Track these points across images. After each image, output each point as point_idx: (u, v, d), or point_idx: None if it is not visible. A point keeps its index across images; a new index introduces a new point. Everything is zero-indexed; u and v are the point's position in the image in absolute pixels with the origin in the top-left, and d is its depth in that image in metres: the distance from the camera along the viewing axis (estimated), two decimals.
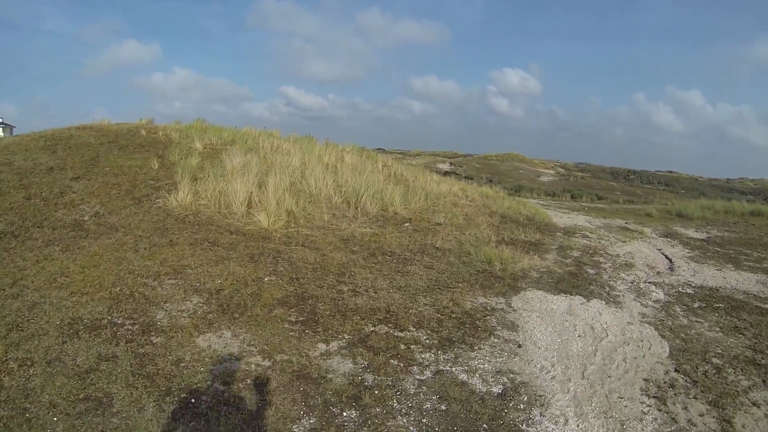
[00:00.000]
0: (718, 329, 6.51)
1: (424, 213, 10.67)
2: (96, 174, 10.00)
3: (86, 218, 8.10)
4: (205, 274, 6.41)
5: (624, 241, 11.85)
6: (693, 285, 8.53)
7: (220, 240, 7.62)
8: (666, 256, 10.85)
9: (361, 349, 5.11)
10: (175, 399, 4.10)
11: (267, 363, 4.72)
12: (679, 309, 7.20)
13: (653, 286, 8.17)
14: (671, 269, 9.71)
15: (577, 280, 8.04)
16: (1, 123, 45.07)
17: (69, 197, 8.84)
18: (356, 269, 7.29)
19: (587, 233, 12.21)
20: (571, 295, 7.28)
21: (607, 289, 7.80)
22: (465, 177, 36.69)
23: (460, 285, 7.21)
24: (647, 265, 9.73)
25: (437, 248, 8.74)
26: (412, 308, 6.22)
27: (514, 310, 6.56)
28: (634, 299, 7.42)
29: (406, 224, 9.88)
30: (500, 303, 6.75)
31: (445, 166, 46.65)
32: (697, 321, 6.77)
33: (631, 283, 8.29)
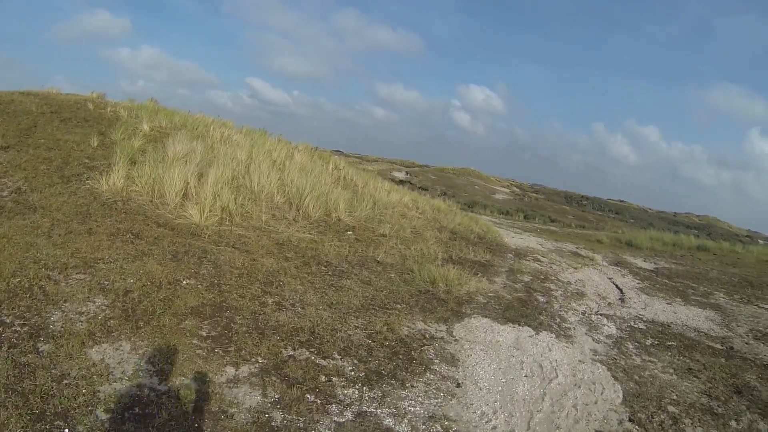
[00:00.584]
0: (672, 371, 6.03)
1: (369, 222, 9.95)
2: (28, 145, 8.94)
3: (5, 194, 7.14)
4: (117, 270, 5.54)
5: (575, 268, 11.42)
6: (644, 319, 8.10)
7: (144, 233, 6.73)
8: (617, 286, 10.46)
9: (274, 378, 4.34)
10: (47, 427, 3.33)
11: (163, 387, 3.93)
12: (631, 346, 6.68)
13: (605, 319, 7.66)
14: (622, 300, 9.29)
15: (526, 308, 7.43)
16: None
17: None
18: (286, 279, 6.51)
19: (539, 256, 11.73)
20: (519, 325, 6.65)
21: (558, 320, 7.22)
22: (419, 187, 36.32)
23: (399, 306, 6.50)
24: (598, 295, 9.27)
25: (378, 262, 8.03)
26: (340, 330, 5.45)
27: (455, 340, 5.86)
28: (586, 333, 6.87)
29: (349, 233, 9.14)
30: (441, 331, 6.05)
31: (401, 175, 46.25)
32: (650, 361, 6.27)
33: (582, 314, 7.76)
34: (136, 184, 8.13)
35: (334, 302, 6.14)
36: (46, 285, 5.00)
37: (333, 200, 9.86)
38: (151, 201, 7.91)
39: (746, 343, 7.53)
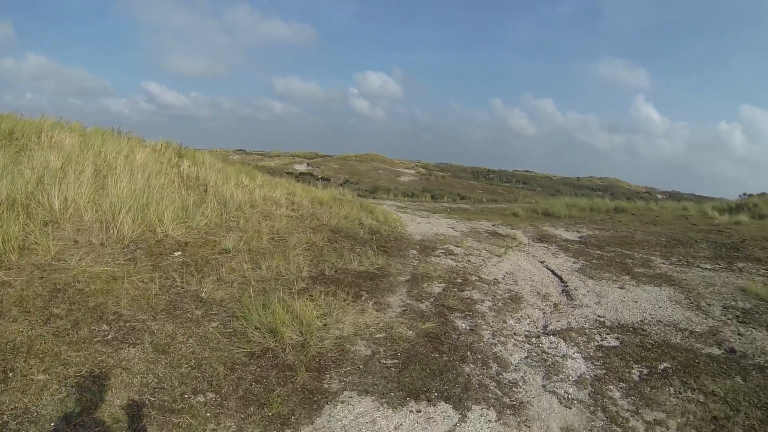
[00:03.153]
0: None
1: (213, 233, 6.65)
2: None
3: None
4: None
5: (499, 256, 8.67)
6: (609, 324, 5.53)
7: None
8: (553, 272, 7.91)
9: None
10: None
11: None
12: (618, 394, 3.92)
13: (562, 342, 4.83)
14: (568, 294, 6.69)
15: (439, 353, 4.28)
16: None
17: None
18: (19, 363, 3.37)
19: (452, 246, 8.82)
20: (428, 402, 3.49)
21: (495, 367, 4.17)
22: (321, 178, 33.31)
23: (198, 400, 3.27)
24: (538, 294, 6.55)
25: (201, 301, 4.76)
26: None
27: None
28: (544, 386, 3.93)
29: (176, 254, 5.86)
30: None
31: (302, 167, 42.65)
32: (655, 417, 3.57)
33: (527, 339, 4.86)
34: None
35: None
36: None
37: (158, 210, 6.54)
38: None
39: (739, 335, 5.40)
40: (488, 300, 5.91)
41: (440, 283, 6.36)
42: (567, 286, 7.14)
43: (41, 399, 3.09)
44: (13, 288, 4.43)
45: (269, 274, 5.61)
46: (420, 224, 11.80)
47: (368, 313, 4.84)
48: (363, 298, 5.29)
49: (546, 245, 10.43)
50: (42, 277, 4.72)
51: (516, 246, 10.00)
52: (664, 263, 9.00)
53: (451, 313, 5.27)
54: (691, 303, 6.54)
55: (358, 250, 7.25)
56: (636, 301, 6.50)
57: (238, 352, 3.95)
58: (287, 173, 31.16)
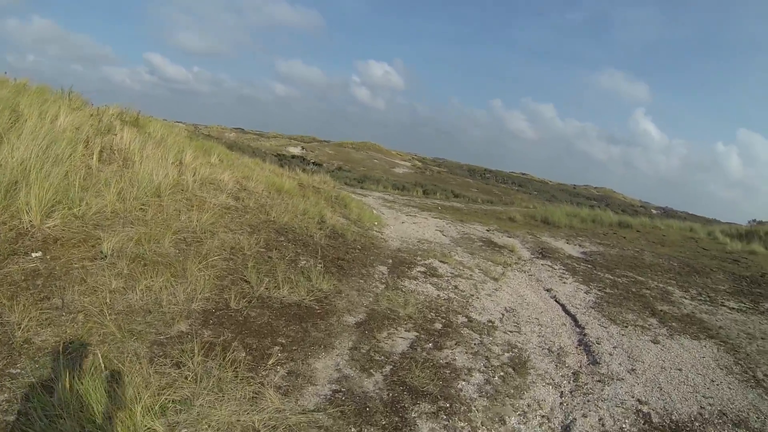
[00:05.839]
0: None
1: (103, 226, 4.42)
2: None
3: None
4: None
5: (496, 279, 6.53)
6: (658, 422, 3.46)
7: None
8: (564, 308, 5.93)
9: None
10: None
11: None
12: None
13: None
14: (589, 351, 4.68)
15: None
16: None
17: None
18: None
19: (436, 262, 6.62)
20: None
21: None
22: (313, 162, 31.17)
23: None
24: (549, 351, 4.42)
25: (7, 345, 2.63)
26: None
27: None
28: None
29: (36, 254, 3.69)
30: None
31: (297, 150, 40.47)
32: None
33: None
34: None
35: None
36: None
37: (41, 189, 4.33)
38: None
39: None
40: (478, 369, 3.64)
41: (409, 329, 4.10)
42: (585, 334, 5.10)
43: None
44: None
45: (141, 303, 3.38)
46: (404, 224, 9.65)
47: (263, 401, 2.54)
48: (270, 362, 3.00)
49: (549, 263, 8.51)
50: None
51: (515, 263, 7.96)
52: (685, 297, 7.29)
53: (415, 402, 2.98)
54: (746, 373, 4.63)
55: (303, 263, 4.96)
56: (680, 369, 4.50)
57: None
58: (278, 155, 29.01)
